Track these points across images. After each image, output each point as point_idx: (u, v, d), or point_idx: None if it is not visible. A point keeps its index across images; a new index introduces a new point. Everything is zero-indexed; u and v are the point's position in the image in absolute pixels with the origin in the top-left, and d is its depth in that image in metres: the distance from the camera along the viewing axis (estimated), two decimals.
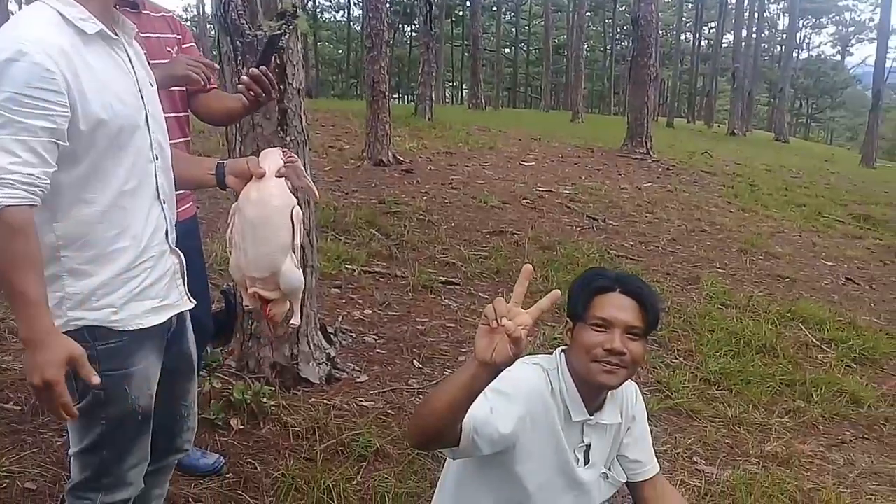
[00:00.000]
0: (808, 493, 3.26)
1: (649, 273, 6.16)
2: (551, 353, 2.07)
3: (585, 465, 2.03)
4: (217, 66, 2.80)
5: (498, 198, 8.52)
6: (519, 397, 1.85)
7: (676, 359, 4.53)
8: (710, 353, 4.59)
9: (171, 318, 1.84)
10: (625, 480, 2.13)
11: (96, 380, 1.58)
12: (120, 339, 1.69)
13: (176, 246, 1.86)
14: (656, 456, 3.36)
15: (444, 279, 5.26)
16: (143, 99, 1.75)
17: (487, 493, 1.92)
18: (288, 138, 3.31)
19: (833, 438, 3.84)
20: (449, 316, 4.65)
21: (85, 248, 1.64)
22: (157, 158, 1.77)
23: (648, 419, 3.70)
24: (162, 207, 1.79)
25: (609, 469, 2.10)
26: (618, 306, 1.91)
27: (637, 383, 3.78)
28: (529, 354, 2.08)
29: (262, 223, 1.81)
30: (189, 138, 2.60)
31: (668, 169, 13.32)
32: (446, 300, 4.95)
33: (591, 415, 2.01)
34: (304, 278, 3.46)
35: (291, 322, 1.97)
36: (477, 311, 4.80)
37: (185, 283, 1.89)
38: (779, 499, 3.15)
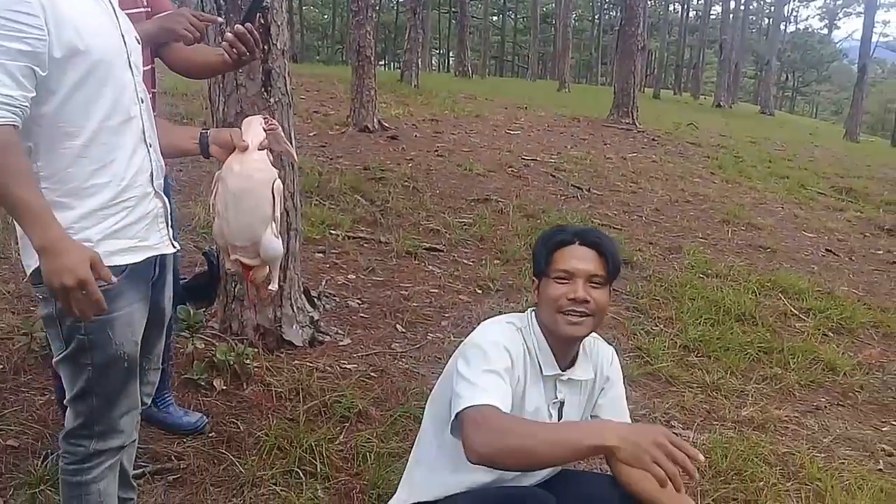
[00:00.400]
0: (783, 457, 3.33)
1: (632, 242, 6.20)
2: (523, 312, 2.10)
3: (559, 421, 2.07)
4: (221, 19, 2.77)
5: (483, 166, 8.51)
6: (508, 369, 1.91)
7: (657, 326, 4.58)
8: (689, 321, 4.64)
9: (154, 267, 1.86)
10: None
11: (113, 278, 1.63)
12: (101, 283, 1.69)
13: None
14: (635, 420, 3.45)
15: (428, 245, 5.27)
16: (125, 45, 1.76)
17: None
18: (272, 100, 3.29)
19: (808, 405, 3.92)
20: (432, 282, 4.67)
21: (65, 181, 1.65)
22: (142, 101, 1.80)
23: (628, 384, 3.78)
24: (148, 150, 1.82)
25: None
26: (578, 257, 1.97)
27: (616, 349, 3.83)
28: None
29: (244, 195, 1.89)
30: (156, 90, 2.57)
31: (653, 140, 13.33)
32: (430, 266, 4.96)
33: (564, 370, 2.05)
34: (288, 241, 3.51)
35: (269, 287, 2.06)
36: (460, 277, 4.83)
37: (170, 229, 1.91)
38: (753, 462, 3.21)
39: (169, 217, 1.92)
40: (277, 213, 1.94)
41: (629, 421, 2.21)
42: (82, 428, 1.85)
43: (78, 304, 1.59)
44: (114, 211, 1.73)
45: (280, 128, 2.00)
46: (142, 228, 1.80)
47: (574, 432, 1.66)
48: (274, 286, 2.07)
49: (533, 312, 2.08)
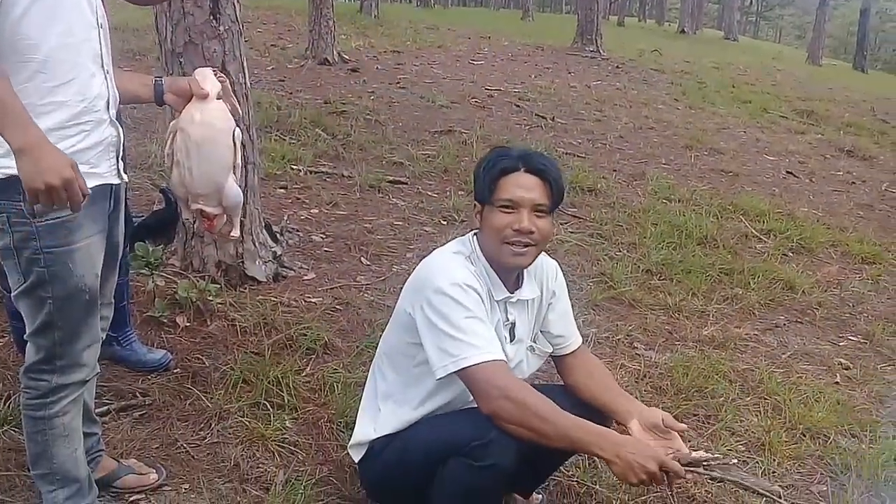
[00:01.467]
0: (742, 373, 3.41)
1: (596, 170, 6.21)
2: (464, 237, 2.10)
3: (511, 341, 2.09)
4: None
5: (446, 97, 8.40)
6: (484, 310, 1.94)
7: (620, 251, 4.62)
8: (652, 246, 4.69)
9: (109, 199, 1.83)
10: (550, 351, 2.21)
11: (87, 189, 1.61)
12: (60, 215, 1.68)
13: None
14: (598, 342, 3.51)
15: (391, 178, 5.22)
16: None
17: (426, 373, 1.96)
18: (221, 28, 3.18)
19: (768, 323, 4.01)
20: (396, 214, 4.64)
21: (21, 96, 1.59)
22: (100, 26, 1.77)
23: (592, 308, 3.84)
24: (105, 77, 1.79)
25: (535, 342, 2.18)
26: (523, 186, 1.95)
27: (581, 275, 3.85)
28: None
29: (206, 144, 1.92)
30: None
31: (617, 67, 13.24)
32: (394, 199, 4.93)
33: (512, 293, 2.06)
34: (245, 175, 3.44)
35: (232, 234, 2.14)
36: (425, 209, 4.81)
37: (120, 160, 1.87)
38: (714, 379, 3.29)
39: (121, 148, 1.88)
40: (238, 161, 1.99)
41: (573, 325, 2.26)
42: (44, 362, 1.83)
43: (58, 201, 1.57)
44: (71, 133, 1.69)
45: (228, 81, 2.03)
46: (94, 155, 1.76)
47: (585, 435, 1.81)
48: (236, 232, 2.12)
49: (475, 237, 2.08)
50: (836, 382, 3.48)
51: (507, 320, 2.08)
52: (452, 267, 1.98)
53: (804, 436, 2.98)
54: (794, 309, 4.23)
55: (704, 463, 1.91)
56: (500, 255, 1.98)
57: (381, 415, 2.10)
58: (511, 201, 1.94)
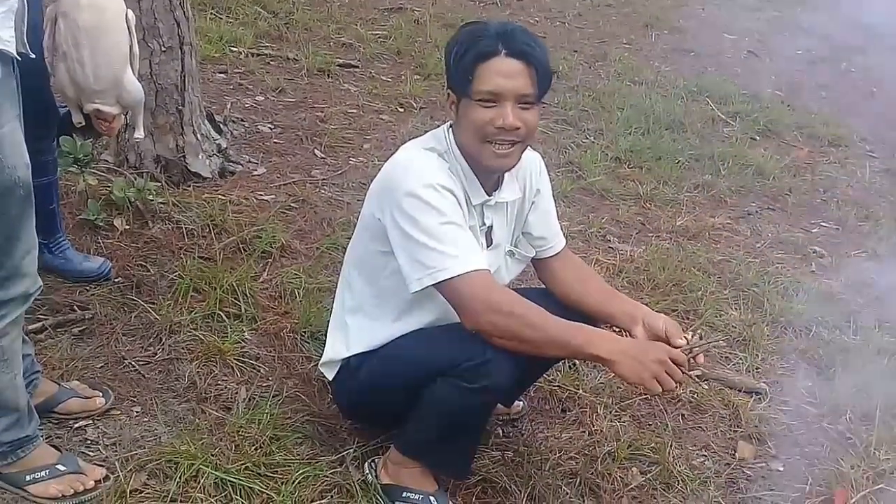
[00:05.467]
0: (719, 265, 3.30)
1: (557, 51, 5.87)
2: (437, 128, 1.85)
3: (489, 246, 1.88)
4: None
5: None
6: (460, 214, 1.72)
7: (587, 138, 4.39)
8: (620, 131, 4.47)
9: (14, 79, 1.56)
10: (532, 255, 2.01)
11: None
12: None
13: None
14: (571, 237, 3.33)
15: (341, 62, 4.81)
16: None
17: (400, 284, 1.75)
18: None
19: (740, 210, 3.88)
20: (350, 101, 4.30)
21: None
22: None
23: (562, 200, 3.64)
24: None
25: (515, 246, 1.97)
26: (505, 73, 1.66)
27: (547, 164, 3.64)
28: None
29: (98, 31, 1.72)
30: None
31: None
32: (345, 84, 4.56)
33: (490, 195, 1.83)
34: (182, 57, 3.07)
35: (136, 135, 2.01)
36: (379, 95, 4.46)
37: (24, 33, 1.57)
38: (691, 272, 3.17)
39: (23, 21, 1.56)
40: (136, 49, 1.82)
41: (557, 225, 2.05)
42: None
43: None
44: None
45: None
46: None
47: (578, 337, 1.65)
48: (140, 133, 1.99)
49: (450, 130, 1.81)
50: (813, 272, 3.39)
51: (484, 224, 1.86)
52: (425, 166, 1.73)
53: (786, 329, 2.91)
54: (766, 195, 4.11)
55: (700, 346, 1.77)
56: (480, 157, 1.72)
57: (350, 330, 1.89)
58: (492, 93, 1.66)
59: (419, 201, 1.66)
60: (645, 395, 2.37)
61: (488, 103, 1.67)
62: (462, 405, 1.74)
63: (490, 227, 1.88)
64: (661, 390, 1.61)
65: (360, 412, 2.03)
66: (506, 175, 1.86)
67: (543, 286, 2.07)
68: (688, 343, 1.73)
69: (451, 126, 1.82)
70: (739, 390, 2.56)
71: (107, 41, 1.74)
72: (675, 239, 3.48)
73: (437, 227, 1.66)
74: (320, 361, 1.99)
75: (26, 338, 1.91)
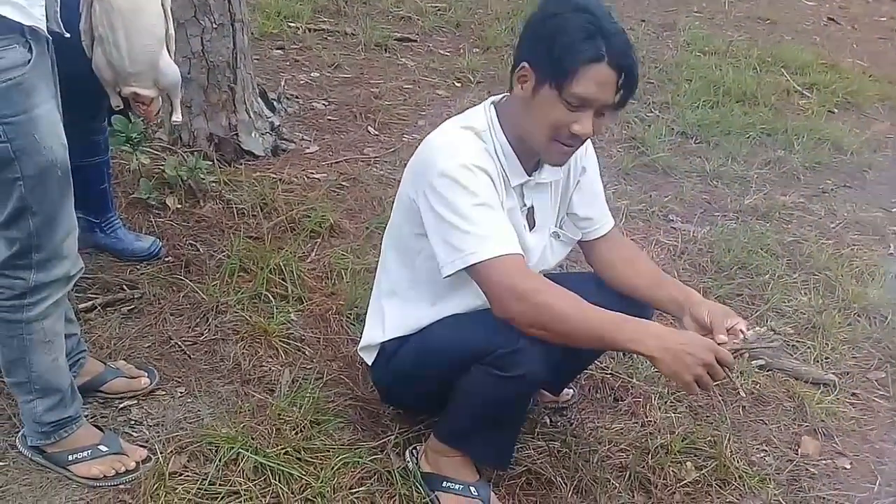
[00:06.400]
0: (789, 246, 3.13)
1: (622, 20, 5.60)
2: (477, 107, 1.74)
3: (531, 229, 1.79)
4: None
5: None
6: (495, 196, 1.63)
7: (652, 112, 4.22)
8: (687, 105, 4.28)
9: (49, 59, 1.55)
10: (578, 238, 1.91)
11: None
12: (12, 75, 1.43)
13: None
14: (630, 216, 3.20)
15: (399, 35, 4.74)
16: None
17: (435, 268, 1.67)
18: None
19: (814, 188, 3.67)
20: (406, 76, 4.23)
21: None
22: None
23: (622, 177, 3.51)
24: None
25: (561, 227, 1.88)
26: (601, 82, 1.54)
27: (609, 140, 3.47)
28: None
29: (136, 13, 1.71)
30: None
31: None
32: (402, 59, 4.49)
33: (530, 175, 1.74)
34: (234, 34, 3.04)
35: (174, 119, 1.98)
36: (437, 69, 4.38)
37: (56, 12, 1.56)
38: (758, 254, 3.01)
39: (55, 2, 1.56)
40: (172, 31, 1.79)
41: (604, 204, 1.93)
42: (19, 257, 1.58)
43: None
44: None
45: None
46: None
47: (617, 330, 1.53)
48: (178, 116, 1.97)
49: (494, 107, 1.71)
50: (891, 254, 3.19)
51: (525, 205, 1.77)
52: (459, 144, 1.64)
53: (859, 317, 2.73)
54: (842, 172, 3.88)
55: (752, 348, 1.63)
56: (542, 150, 1.64)
57: (386, 315, 1.83)
58: (583, 99, 1.55)
59: (452, 182, 1.59)
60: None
61: (574, 107, 1.56)
62: (497, 394, 1.67)
63: (531, 209, 1.79)
64: (697, 392, 1.51)
65: (398, 398, 1.98)
66: None
67: (591, 270, 1.97)
68: (728, 338, 1.60)
69: (493, 103, 1.73)
70: (806, 381, 2.41)
71: (142, 23, 1.72)
72: (743, 219, 3.31)
73: (470, 209, 1.58)
74: (359, 346, 1.94)
75: (73, 317, 1.93)
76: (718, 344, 1.56)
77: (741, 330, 1.61)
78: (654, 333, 1.52)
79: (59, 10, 1.58)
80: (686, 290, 1.80)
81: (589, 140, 1.88)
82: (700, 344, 1.51)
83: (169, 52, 1.81)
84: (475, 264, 1.56)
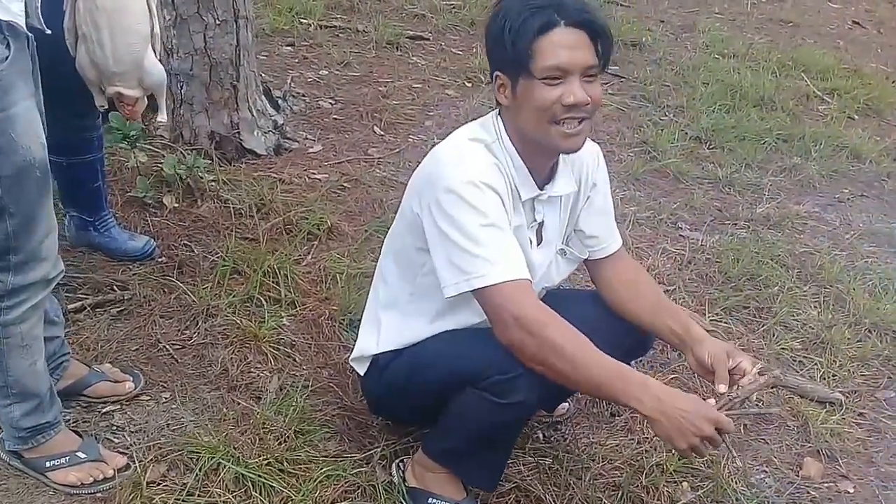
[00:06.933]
0: (800, 257, 3.04)
1: (641, 20, 5.57)
2: (485, 118, 1.68)
3: (538, 244, 1.72)
4: None
5: None
6: (503, 215, 1.57)
7: (665, 115, 4.14)
8: (702, 109, 4.19)
9: (29, 58, 1.51)
10: (585, 256, 1.84)
11: None
12: None
13: None
14: (638, 223, 3.13)
15: (411, 33, 4.69)
16: None
17: (437, 283, 1.62)
18: None
19: (830, 197, 3.58)
20: (416, 75, 4.17)
21: None
22: None
23: (632, 183, 3.43)
24: None
25: (567, 244, 1.81)
26: (568, 45, 1.49)
27: (620, 144, 3.39)
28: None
29: (117, 13, 1.69)
30: None
31: None
32: (414, 57, 4.43)
33: (542, 188, 1.67)
34: (237, 31, 3.01)
35: (158, 119, 1.97)
36: (448, 69, 4.32)
37: (37, 8, 1.52)
38: (768, 265, 2.93)
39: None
40: (157, 30, 1.77)
41: (613, 223, 1.86)
42: None
43: None
44: None
45: None
46: None
47: (618, 381, 1.46)
48: (163, 117, 1.95)
49: (500, 118, 1.65)
50: None
51: (535, 220, 1.70)
52: (468, 159, 1.58)
53: (870, 333, 2.64)
54: (860, 181, 3.78)
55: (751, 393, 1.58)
56: (548, 140, 1.56)
57: (382, 327, 1.78)
58: (558, 69, 1.49)
59: (459, 199, 1.52)
60: None
61: (553, 80, 1.50)
62: (491, 419, 1.62)
63: (541, 224, 1.72)
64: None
65: (388, 409, 1.93)
66: (560, 166, 1.70)
67: (595, 289, 1.90)
68: (727, 388, 1.54)
69: (499, 113, 1.66)
70: (811, 399, 2.34)
71: (127, 22, 1.70)
72: (754, 228, 3.23)
73: (477, 230, 1.51)
74: (351, 356, 1.90)
75: (57, 319, 1.90)
76: (719, 394, 1.51)
77: (738, 381, 1.56)
78: (654, 394, 1.44)
79: (39, 6, 1.54)
80: (686, 323, 1.72)
81: (601, 154, 1.82)
82: (700, 414, 1.42)
83: (154, 51, 1.79)
84: (480, 288, 1.51)
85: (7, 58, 1.44)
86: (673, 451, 2.03)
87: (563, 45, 1.49)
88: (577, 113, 1.52)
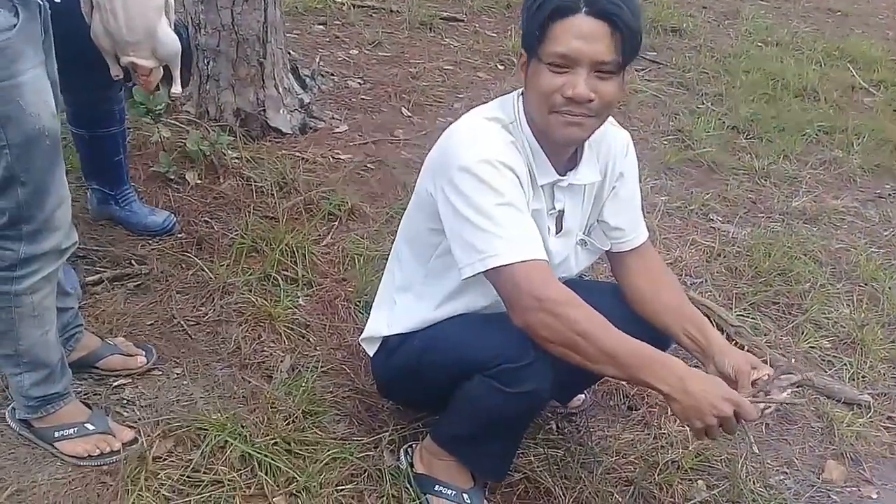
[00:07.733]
0: (835, 253, 2.94)
1: (682, 6, 5.45)
2: (506, 97, 1.62)
3: (557, 233, 1.66)
4: None
5: None
6: (521, 195, 1.51)
7: (703, 103, 4.03)
8: (742, 98, 4.08)
9: (40, 26, 1.49)
10: (606, 248, 1.77)
11: None
12: None
13: None
14: (668, 213, 3.05)
15: (446, 14, 4.63)
16: None
17: (451, 265, 1.57)
18: None
19: (870, 192, 3.46)
20: (447, 57, 4.12)
21: None
22: None
23: (665, 171, 3.35)
24: None
25: (588, 234, 1.74)
26: (583, 35, 1.39)
27: (654, 132, 3.30)
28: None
29: None
30: None
31: None
32: (447, 38, 4.38)
33: (563, 174, 1.60)
34: (265, 8, 2.98)
35: (173, 90, 1.94)
36: (480, 51, 4.26)
37: None
38: (801, 260, 2.84)
39: None
40: (171, 1, 1.77)
41: (639, 216, 1.78)
42: (8, 227, 1.54)
43: None
44: None
45: None
46: None
47: (642, 363, 1.40)
48: (177, 88, 1.92)
49: (521, 98, 1.58)
50: None
51: (554, 208, 1.63)
52: (484, 138, 1.51)
53: None
54: None
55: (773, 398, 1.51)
56: (547, 127, 1.49)
57: (395, 309, 1.75)
58: (564, 57, 1.40)
59: (474, 178, 1.47)
60: None
61: (559, 68, 1.42)
62: (498, 408, 1.57)
63: (561, 212, 1.65)
64: (704, 440, 1.40)
65: (397, 393, 1.90)
66: (585, 153, 1.63)
67: (615, 282, 1.84)
68: (755, 386, 1.48)
69: (521, 93, 1.61)
70: (838, 400, 2.25)
71: None
72: (788, 221, 3.13)
73: (493, 208, 1.46)
74: (361, 336, 1.87)
75: (71, 290, 1.90)
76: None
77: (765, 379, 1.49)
78: (677, 374, 1.38)
79: None
80: (707, 331, 1.64)
81: (630, 143, 1.74)
82: (720, 393, 1.37)
83: (168, 21, 1.76)
84: (496, 267, 1.45)
85: (15, 26, 1.42)
86: (689, 447, 1.99)
87: (576, 34, 1.40)
88: (577, 108, 1.44)
